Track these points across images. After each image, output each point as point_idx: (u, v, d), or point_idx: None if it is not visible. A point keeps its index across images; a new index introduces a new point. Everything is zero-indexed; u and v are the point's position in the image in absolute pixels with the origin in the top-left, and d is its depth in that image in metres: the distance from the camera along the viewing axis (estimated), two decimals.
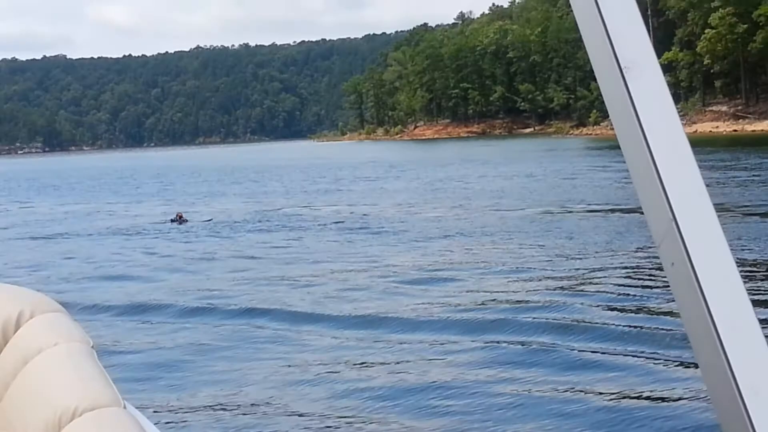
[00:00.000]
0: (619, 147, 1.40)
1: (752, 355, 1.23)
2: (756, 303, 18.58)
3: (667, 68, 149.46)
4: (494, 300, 20.52)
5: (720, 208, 36.57)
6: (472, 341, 16.89)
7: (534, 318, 18.29)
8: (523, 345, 16.41)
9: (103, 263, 30.16)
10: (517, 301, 20.38)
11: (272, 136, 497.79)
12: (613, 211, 38.33)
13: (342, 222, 40.07)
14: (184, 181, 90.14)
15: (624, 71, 1.36)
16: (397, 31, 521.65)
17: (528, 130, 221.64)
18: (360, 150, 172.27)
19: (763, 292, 19.83)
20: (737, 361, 1.22)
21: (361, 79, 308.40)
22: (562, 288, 21.75)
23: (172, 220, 44.12)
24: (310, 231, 37.37)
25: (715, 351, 1.23)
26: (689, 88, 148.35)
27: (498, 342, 16.77)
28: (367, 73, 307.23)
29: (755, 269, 23.16)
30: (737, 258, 25.07)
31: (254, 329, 18.64)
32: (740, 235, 29.04)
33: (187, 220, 43.64)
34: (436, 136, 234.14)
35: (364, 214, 43.10)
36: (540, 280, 23.09)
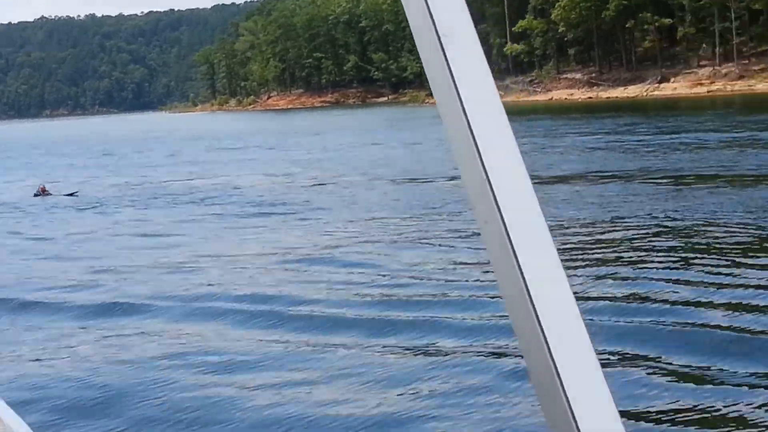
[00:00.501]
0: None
1: (562, 312, 1.26)
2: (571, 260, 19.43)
3: (521, 36, 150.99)
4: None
5: (576, 175, 37.00)
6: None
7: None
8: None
9: None
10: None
11: (121, 107, 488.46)
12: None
13: (215, 196, 38.47)
14: (40, 155, 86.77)
15: (442, 38, 1.36)
16: (246, 2, 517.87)
17: (382, 99, 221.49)
18: (215, 120, 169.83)
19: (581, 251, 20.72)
20: (546, 315, 1.25)
21: (213, 50, 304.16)
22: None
23: (35, 194, 41.80)
24: (182, 207, 35.71)
25: (527, 311, 1.26)
26: (543, 56, 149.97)
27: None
28: (219, 43, 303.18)
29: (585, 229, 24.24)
30: (570, 218, 25.31)
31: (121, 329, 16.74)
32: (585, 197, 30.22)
33: (51, 194, 41.44)
34: (290, 106, 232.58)
35: (235, 187, 41.79)
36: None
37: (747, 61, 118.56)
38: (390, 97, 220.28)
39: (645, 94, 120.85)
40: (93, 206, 36.92)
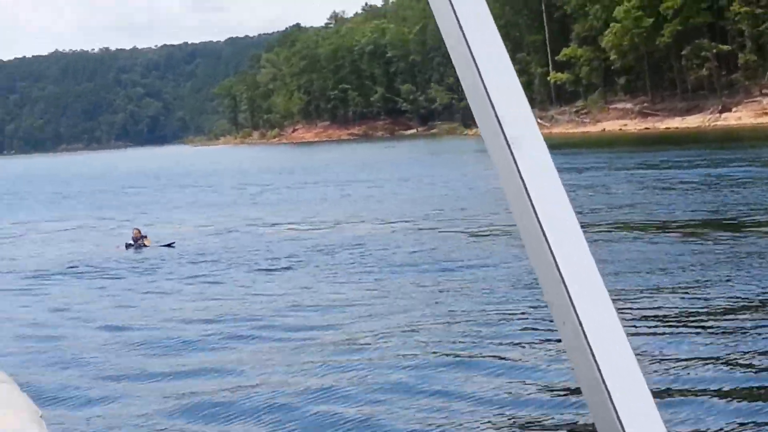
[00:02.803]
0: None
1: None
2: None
3: (566, 65, 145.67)
4: None
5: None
6: None
7: None
8: None
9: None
10: None
11: (136, 141, 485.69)
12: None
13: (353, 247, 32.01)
14: (98, 192, 79.16)
15: (511, 143, 1.41)
16: (260, 34, 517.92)
17: (410, 132, 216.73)
18: (247, 155, 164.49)
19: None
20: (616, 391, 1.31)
21: (234, 82, 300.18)
22: None
23: (129, 245, 34.21)
24: (306, 262, 28.91)
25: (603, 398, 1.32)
26: (589, 85, 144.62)
27: None
28: (239, 76, 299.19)
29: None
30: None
31: None
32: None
33: (146, 244, 34.07)
34: (316, 139, 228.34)
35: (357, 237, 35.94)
36: None
37: None
38: (419, 129, 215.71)
39: (708, 124, 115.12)
40: (198, 261, 30.73)
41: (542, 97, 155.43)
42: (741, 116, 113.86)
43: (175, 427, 13.00)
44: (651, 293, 19.90)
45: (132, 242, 34.34)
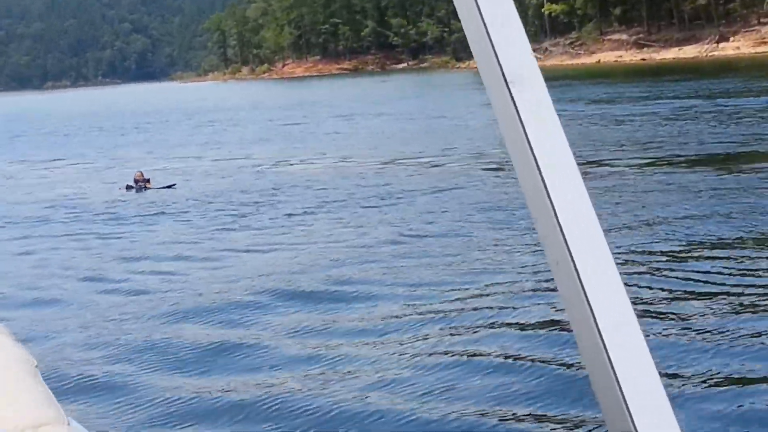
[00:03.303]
0: None
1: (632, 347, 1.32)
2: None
3: None
4: None
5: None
6: None
7: None
8: None
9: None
10: None
11: (124, 78, 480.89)
12: None
13: (330, 188, 30.63)
14: (91, 131, 77.14)
15: (510, 84, 1.41)
16: None
17: (401, 66, 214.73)
18: (239, 90, 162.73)
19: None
20: (616, 354, 1.31)
21: (223, 17, 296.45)
22: None
23: (129, 187, 32.84)
24: (317, 207, 26.69)
25: (598, 349, 1.31)
26: (583, 16, 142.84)
27: None
28: (229, 10, 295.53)
29: None
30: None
31: None
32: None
33: (150, 186, 32.69)
34: (306, 74, 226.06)
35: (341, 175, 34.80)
36: None
37: None
38: (410, 63, 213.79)
39: (705, 54, 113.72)
40: (201, 203, 29.21)
41: (536, 29, 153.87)
42: (739, 45, 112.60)
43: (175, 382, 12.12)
44: (644, 229, 19.35)
45: (133, 185, 33.02)
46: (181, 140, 58.61)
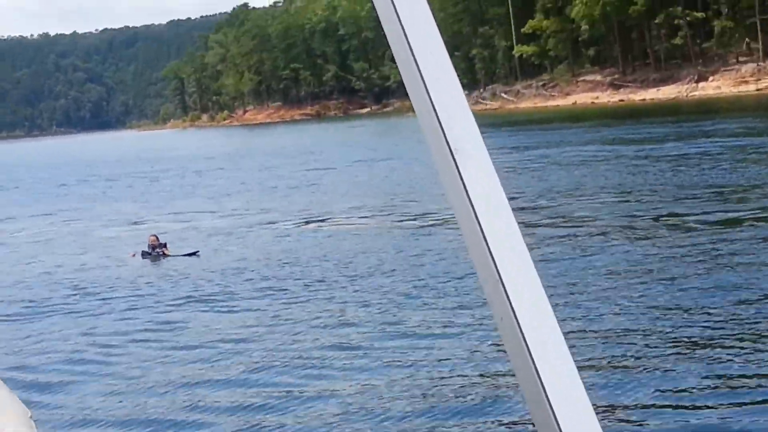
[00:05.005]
0: None
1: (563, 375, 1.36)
2: None
3: (531, 38, 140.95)
4: None
5: None
6: None
7: None
8: None
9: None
10: None
11: (79, 127, 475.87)
12: None
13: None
14: (74, 185, 69.76)
15: (454, 153, 1.43)
16: (202, 16, 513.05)
17: (365, 110, 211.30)
18: (205, 138, 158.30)
19: None
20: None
21: (181, 64, 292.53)
22: None
23: (146, 253, 27.70)
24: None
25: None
26: (555, 58, 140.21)
27: None
28: (187, 57, 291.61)
29: None
30: None
31: None
32: None
33: (168, 253, 27.47)
34: (268, 120, 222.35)
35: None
36: None
37: None
38: (373, 107, 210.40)
39: (685, 94, 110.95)
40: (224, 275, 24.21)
41: (506, 71, 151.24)
42: (719, 85, 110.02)
43: None
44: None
45: (149, 251, 27.79)
46: (175, 192, 53.97)
